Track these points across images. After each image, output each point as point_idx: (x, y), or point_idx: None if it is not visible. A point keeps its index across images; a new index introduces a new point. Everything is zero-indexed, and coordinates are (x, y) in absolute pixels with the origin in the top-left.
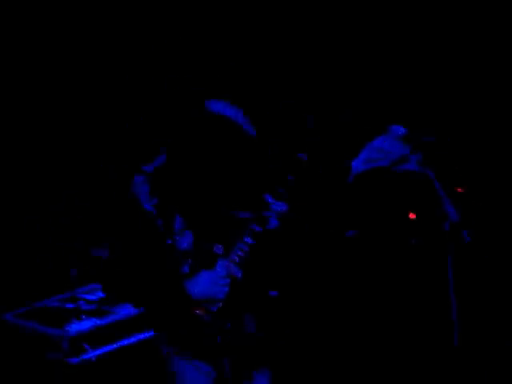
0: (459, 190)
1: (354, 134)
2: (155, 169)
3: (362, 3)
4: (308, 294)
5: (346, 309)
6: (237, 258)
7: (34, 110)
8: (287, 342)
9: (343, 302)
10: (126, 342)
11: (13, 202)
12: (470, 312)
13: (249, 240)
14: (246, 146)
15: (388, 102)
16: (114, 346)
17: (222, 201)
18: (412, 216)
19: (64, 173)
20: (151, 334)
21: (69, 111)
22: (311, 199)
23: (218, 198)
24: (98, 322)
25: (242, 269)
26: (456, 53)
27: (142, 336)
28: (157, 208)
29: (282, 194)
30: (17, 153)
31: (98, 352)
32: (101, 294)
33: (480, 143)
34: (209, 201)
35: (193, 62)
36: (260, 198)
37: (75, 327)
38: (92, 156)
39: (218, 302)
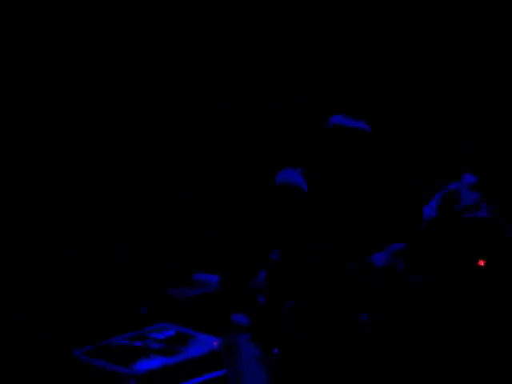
0: None
1: (427, 181)
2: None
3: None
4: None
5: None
6: None
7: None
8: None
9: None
10: (193, 381)
11: (80, 238)
12: None
13: None
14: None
15: (461, 150)
16: None
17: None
18: (482, 263)
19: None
20: (219, 373)
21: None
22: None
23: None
24: (166, 360)
25: None
26: None
27: (209, 376)
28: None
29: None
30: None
31: None
32: (169, 333)
33: None
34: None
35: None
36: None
37: (143, 366)
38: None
39: None
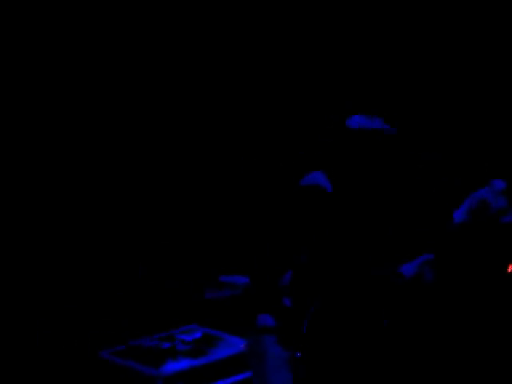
0: None
1: (455, 186)
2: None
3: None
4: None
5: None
6: None
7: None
8: None
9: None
10: (220, 383)
11: (116, 241)
12: None
13: None
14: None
15: (490, 155)
16: None
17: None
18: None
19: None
20: (246, 375)
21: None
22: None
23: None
24: (194, 362)
25: None
26: None
27: (237, 378)
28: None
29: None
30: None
31: None
32: (196, 335)
33: None
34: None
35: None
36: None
37: (170, 367)
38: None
39: None
